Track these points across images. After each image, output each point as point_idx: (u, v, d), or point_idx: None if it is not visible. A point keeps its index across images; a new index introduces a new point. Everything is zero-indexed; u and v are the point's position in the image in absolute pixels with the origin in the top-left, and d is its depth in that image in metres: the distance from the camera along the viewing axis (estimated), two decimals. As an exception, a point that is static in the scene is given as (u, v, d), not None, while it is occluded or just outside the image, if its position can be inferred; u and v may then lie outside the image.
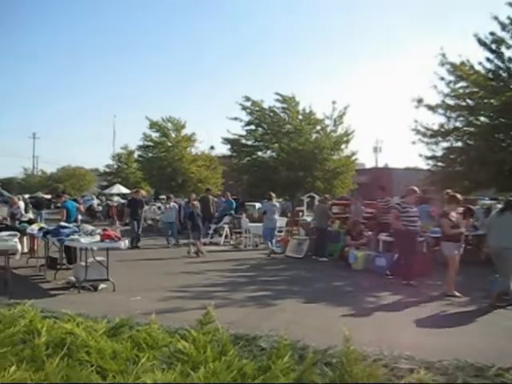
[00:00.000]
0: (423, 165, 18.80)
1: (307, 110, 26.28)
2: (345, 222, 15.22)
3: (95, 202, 34.92)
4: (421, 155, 17.34)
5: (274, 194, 16.49)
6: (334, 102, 25.57)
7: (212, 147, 35.33)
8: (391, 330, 6.71)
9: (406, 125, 17.98)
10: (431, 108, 16.22)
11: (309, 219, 16.80)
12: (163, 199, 30.06)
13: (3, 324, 3.17)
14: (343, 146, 26.04)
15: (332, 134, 25.82)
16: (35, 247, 12.70)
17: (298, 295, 9.12)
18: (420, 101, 16.15)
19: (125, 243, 9.65)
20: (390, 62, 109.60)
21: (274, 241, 15.61)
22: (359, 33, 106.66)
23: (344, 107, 25.53)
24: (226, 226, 18.62)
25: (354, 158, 26.51)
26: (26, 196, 31.82)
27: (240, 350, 3.42)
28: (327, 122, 25.98)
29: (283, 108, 26.38)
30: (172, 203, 18.00)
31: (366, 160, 56.44)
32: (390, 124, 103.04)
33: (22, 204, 17.00)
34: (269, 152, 27.30)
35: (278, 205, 17.09)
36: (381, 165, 50.20)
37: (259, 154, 27.46)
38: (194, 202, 16.65)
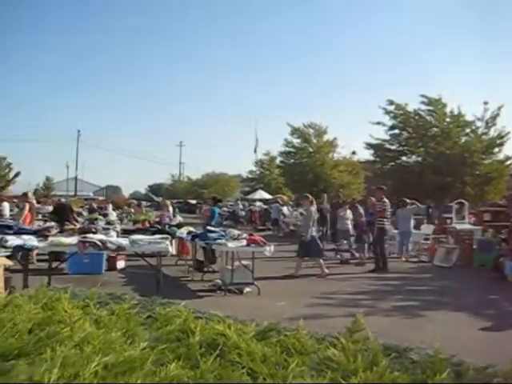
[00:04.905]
0: None
1: (455, 112, 25.01)
2: (499, 231, 14.18)
3: (238, 207, 36.01)
4: None
5: (409, 201, 15.90)
6: (485, 103, 23.99)
7: (354, 152, 34.86)
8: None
9: None
10: None
11: (459, 226, 15.88)
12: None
13: (160, 322, 3.33)
14: (496, 150, 24.46)
15: (484, 137, 24.36)
16: (187, 250, 13.40)
17: (447, 307, 8.67)
18: None
19: (270, 248, 9.72)
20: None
21: (404, 247, 15.42)
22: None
23: (497, 107, 23.88)
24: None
25: (509, 162, 24.73)
26: (174, 201, 34.04)
27: (390, 361, 3.28)
28: (478, 123, 24.53)
29: (429, 110, 25.36)
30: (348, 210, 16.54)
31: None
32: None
33: (170, 208, 18.06)
34: (414, 157, 26.47)
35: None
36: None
37: (403, 158, 26.71)
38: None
